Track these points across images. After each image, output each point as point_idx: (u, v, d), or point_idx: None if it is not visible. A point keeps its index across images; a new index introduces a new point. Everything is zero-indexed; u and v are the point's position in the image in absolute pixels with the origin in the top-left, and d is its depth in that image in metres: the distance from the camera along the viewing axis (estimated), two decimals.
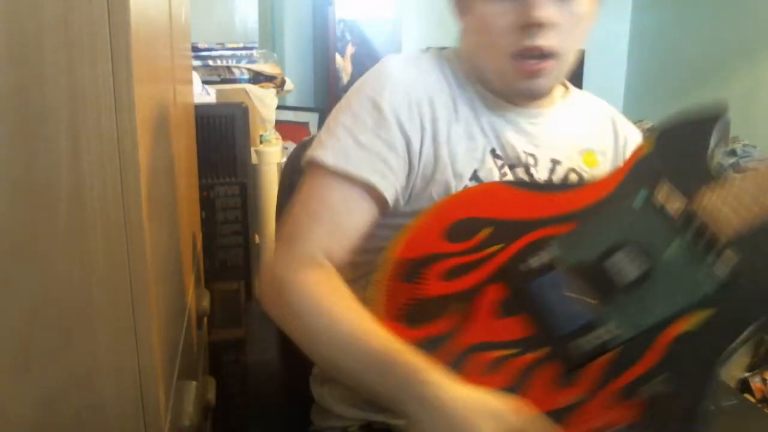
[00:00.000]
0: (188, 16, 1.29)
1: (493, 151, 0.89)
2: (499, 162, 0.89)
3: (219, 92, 1.69)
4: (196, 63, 1.76)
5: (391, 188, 0.85)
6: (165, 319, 0.68)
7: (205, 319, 1.19)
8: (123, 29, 0.50)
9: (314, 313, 0.77)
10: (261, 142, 1.80)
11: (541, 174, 0.90)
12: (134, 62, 0.51)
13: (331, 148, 0.85)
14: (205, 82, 1.70)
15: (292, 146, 1.23)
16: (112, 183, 0.52)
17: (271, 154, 1.74)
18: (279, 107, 1.98)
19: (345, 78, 3.28)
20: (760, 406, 1.93)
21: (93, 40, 0.50)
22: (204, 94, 1.62)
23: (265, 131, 1.87)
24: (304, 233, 0.83)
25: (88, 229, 0.53)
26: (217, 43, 1.83)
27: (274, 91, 1.85)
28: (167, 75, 0.84)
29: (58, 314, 0.54)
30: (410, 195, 0.87)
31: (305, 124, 3.20)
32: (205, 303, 1.15)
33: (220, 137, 1.52)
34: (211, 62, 1.79)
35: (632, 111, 3.48)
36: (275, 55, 2.05)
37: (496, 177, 0.88)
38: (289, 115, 3.11)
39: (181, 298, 0.88)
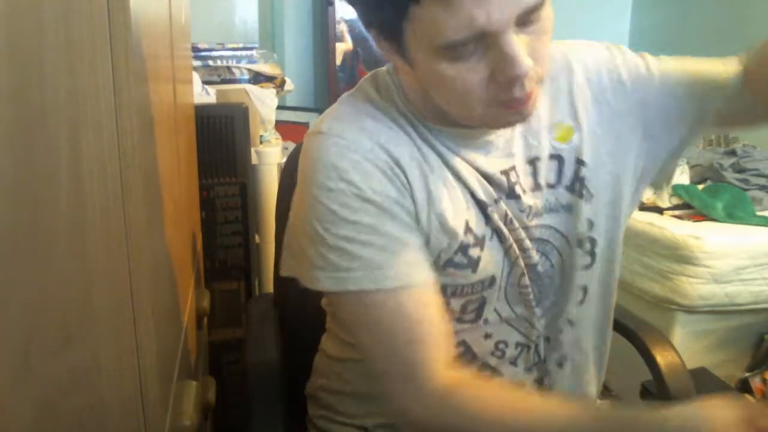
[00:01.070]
0: (188, 17, 1.29)
1: (473, 195, 0.80)
2: (484, 205, 0.80)
3: (219, 92, 1.69)
4: (196, 63, 1.76)
5: (426, 271, 0.77)
6: (165, 319, 0.68)
7: (205, 319, 1.19)
8: (123, 29, 0.50)
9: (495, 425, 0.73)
10: (261, 143, 1.80)
11: (525, 183, 0.82)
12: (134, 62, 0.51)
13: (359, 271, 0.74)
14: (205, 83, 1.70)
15: (292, 146, 1.23)
16: (113, 183, 0.52)
17: (271, 155, 1.74)
18: (279, 107, 1.98)
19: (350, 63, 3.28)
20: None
21: (93, 40, 0.50)
22: (204, 95, 1.62)
23: (265, 131, 1.87)
24: (401, 362, 0.75)
25: (88, 229, 0.53)
26: (217, 43, 1.83)
27: (274, 91, 1.85)
28: (167, 75, 0.84)
29: (57, 314, 0.54)
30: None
31: (305, 125, 3.20)
32: (205, 303, 1.15)
33: (220, 137, 1.52)
34: (211, 62, 1.79)
35: None
36: (275, 55, 2.05)
37: (483, 227, 0.80)
38: (289, 116, 3.11)
39: (181, 298, 0.88)
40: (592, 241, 0.85)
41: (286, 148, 1.88)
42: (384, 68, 0.83)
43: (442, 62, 0.67)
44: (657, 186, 0.90)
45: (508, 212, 0.81)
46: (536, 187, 0.83)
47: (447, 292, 0.81)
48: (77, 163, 0.51)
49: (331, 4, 3.13)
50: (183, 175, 1.00)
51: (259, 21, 2.27)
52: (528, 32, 0.67)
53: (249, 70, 1.82)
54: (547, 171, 0.83)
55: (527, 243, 0.82)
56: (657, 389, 1.05)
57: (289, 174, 1.15)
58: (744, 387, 2.05)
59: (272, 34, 3.25)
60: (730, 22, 2.96)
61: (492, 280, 0.81)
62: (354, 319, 0.79)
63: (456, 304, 0.82)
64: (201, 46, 1.78)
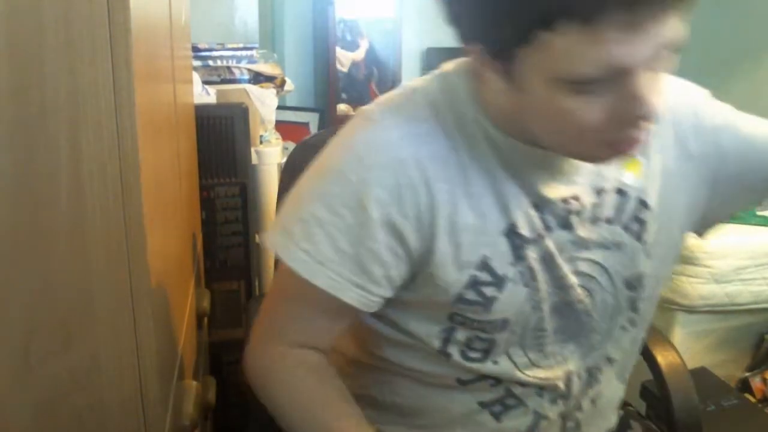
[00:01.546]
0: (188, 17, 1.29)
1: (512, 229, 0.73)
2: (517, 241, 0.73)
3: (219, 92, 1.69)
4: (197, 63, 1.76)
5: (373, 303, 0.74)
6: (165, 319, 0.68)
7: (206, 319, 1.19)
8: (123, 29, 0.50)
9: (293, 407, 0.78)
10: (261, 143, 1.80)
11: (584, 214, 0.75)
12: (134, 62, 0.51)
13: (303, 252, 0.71)
14: (205, 83, 1.70)
15: (292, 146, 1.23)
16: (113, 183, 0.52)
17: (271, 155, 1.74)
18: (279, 107, 1.98)
19: (361, 74, 3.29)
20: (760, 406, 1.93)
21: (93, 40, 0.50)
22: (204, 95, 1.62)
23: (265, 131, 1.87)
24: (278, 325, 0.80)
25: (88, 229, 0.53)
26: (218, 44, 1.83)
27: (274, 91, 1.85)
28: (167, 75, 0.84)
29: (57, 314, 0.54)
30: (405, 286, 0.75)
31: (305, 125, 3.20)
32: (206, 303, 1.15)
33: (221, 137, 1.52)
34: (211, 62, 1.79)
35: None
36: (275, 55, 2.05)
37: (507, 266, 0.73)
38: (289, 116, 3.11)
39: (181, 298, 0.88)
40: (639, 282, 0.80)
41: (286, 148, 1.88)
42: (452, 69, 0.76)
43: (560, 94, 0.60)
44: (698, 234, 0.85)
45: (552, 247, 0.74)
46: (594, 219, 0.76)
47: (454, 319, 0.76)
48: (77, 163, 0.51)
49: (331, 3, 3.13)
50: (183, 175, 1.00)
51: (259, 21, 2.27)
52: (653, 68, 0.60)
53: (249, 70, 1.82)
54: (609, 204, 0.77)
55: (570, 279, 0.76)
56: (657, 389, 1.05)
57: (289, 174, 1.15)
58: (744, 387, 2.05)
59: (272, 35, 3.25)
60: (732, 22, 2.96)
61: (504, 324, 0.75)
62: (276, 281, 0.82)
63: (461, 335, 0.77)
64: (201, 46, 1.78)
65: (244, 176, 1.55)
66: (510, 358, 0.78)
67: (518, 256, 0.73)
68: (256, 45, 1.93)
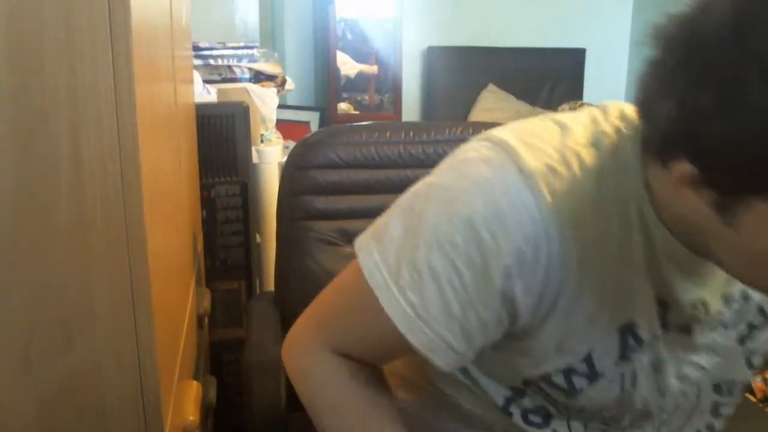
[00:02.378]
0: (189, 16, 1.29)
1: (630, 330, 0.66)
2: (630, 341, 0.66)
3: (220, 91, 1.69)
4: (197, 62, 1.76)
5: (455, 363, 0.65)
6: (166, 319, 0.68)
7: (206, 319, 1.19)
8: (124, 29, 0.50)
9: (331, 413, 0.73)
10: (262, 141, 1.80)
11: (707, 319, 0.69)
12: (135, 62, 0.51)
13: (407, 303, 0.62)
14: (206, 82, 1.70)
15: (292, 145, 1.23)
16: (113, 182, 0.52)
17: (271, 153, 1.74)
18: (280, 106, 1.98)
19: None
20: (760, 405, 1.93)
21: (94, 39, 0.49)
22: (205, 94, 1.62)
23: (266, 130, 1.87)
24: (334, 329, 0.73)
25: (88, 229, 0.53)
26: (218, 43, 1.82)
27: (275, 90, 1.85)
28: (168, 74, 0.84)
29: (58, 314, 0.54)
30: (493, 346, 0.67)
31: (306, 123, 3.20)
32: (206, 302, 1.16)
33: (221, 136, 1.52)
34: (212, 61, 1.79)
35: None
36: (276, 54, 2.05)
37: (609, 365, 0.66)
38: (290, 114, 3.11)
39: (182, 297, 0.88)
40: (730, 388, 0.75)
41: (287, 147, 1.88)
42: (625, 134, 0.63)
43: None
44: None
45: (664, 350, 0.68)
46: (715, 325, 0.70)
47: (529, 386, 0.69)
48: (77, 162, 0.51)
49: (332, 2, 3.13)
50: (184, 175, 1.00)
51: (260, 20, 2.27)
52: None
53: (250, 69, 1.82)
54: (732, 309, 0.71)
55: (672, 383, 0.71)
56: None
57: (289, 173, 1.15)
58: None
59: (273, 33, 3.25)
60: None
61: (580, 409, 0.70)
62: (346, 284, 0.72)
63: (529, 402, 0.72)
64: (202, 45, 1.78)
65: (244, 175, 1.55)
66: (569, 428, 0.73)
67: (625, 356, 0.66)
68: (257, 44, 1.93)
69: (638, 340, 0.66)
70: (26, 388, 0.54)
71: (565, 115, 0.67)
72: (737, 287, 0.70)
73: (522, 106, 3.43)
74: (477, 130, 1.21)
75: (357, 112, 3.29)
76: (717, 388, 0.74)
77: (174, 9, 0.93)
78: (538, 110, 3.40)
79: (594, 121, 0.65)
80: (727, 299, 0.70)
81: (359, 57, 3.29)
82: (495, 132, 0.65)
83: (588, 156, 0.62)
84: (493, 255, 0.59)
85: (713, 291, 0.68)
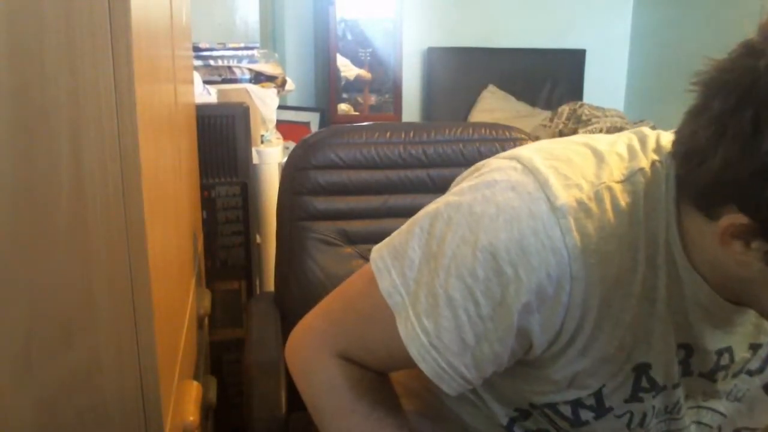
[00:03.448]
0: (189, 16, 1.29)
1: (645, 374, 0.64)
2: (645, 383, 0.64)
3: (220, 92, 1.69)
4: (197, 63, 1.76)
5: (462, 389, 0.63)
6: (166, 319, 0.68)
7: (206, 319, 1.19)
8: (124, 29, 0.50)
9: (333, 416, 0.71)
10: (262, 142, 1.80)
11: (733, 368, 0.66)
12: (135, 62, 0.51)
13: (421, 329, 0.60)
14: (206, 82, 1.70)
15: (293, 146, 1.24)
16: (113, 183, 0.52)
17: (272, 154, 1.74)
18: (280, 107, 1.98)
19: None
20: None
21: (94, 40, 0.50)
22: (205, 94, 1.62)
23: (266, 131, 1.87)
24: (341, 336, 0.71)
25: (89, 229, 0.53)
26: (218, 43, 1.83)
27: (275, 90, 1.85)
28: (168, 75, 0.84)
29: (59, 314, 0.54)
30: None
31: (306, 124, 3.20)
32: (206, 303, 1.16)
33: (221, 137, 1.52)
34: (212, 62, 1.79)
35: (633, 111, 3.48)
36: (276, 54, 2.05)
37: (620, 403, 0.64)
38: (290, 115, 3.11)
39: (182, 297, 0.88)
40: None
41: (287, 148, 1.88)
42: (661, 172, 0.60)
43: None
44: None
45: (682, 398, 0.67)
46: (738, 372, 0.68)
47: (534, 408, 0.69)
48: (78, 162, 0.51)
49: (332, 3, 3.13)
50: (184, 175, 1.00)
51: (260, 21, 2.27)
52: None
53: (250, 69, 1.82)
54: (758, 357, 0.68)
55: (686, 427, 0.69)
56: None
57: (289, 173, 1.15)
58: None
59: (273, 34, 3.25)
60: (732, 21, 2.95)
61: None
62: (356, 289, 0.70)
63: (532, 423, 0.71)
64: (202, 45, 1.78)
65: (245, 176, 1.55)
66: None
67: (636, 396, 0.64)
68: (257, 45, 1.93)
69: (652, 383, 0.64)
70: (26, 388, 0.54)
71: (601, 141, 0.64)
72: (766, 337, 0.67)
73: (522, 106, 3.44)
74: (477, 131, 1.21)
75: (357, 113, 3.30)
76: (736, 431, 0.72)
77: (174, 9, 0.93)
78: (538, 111, 3.40)
79: (631, 151, 0.62)
80: (754, 348, 0.67)
81: (358, 60, 3.29)
82: (525, 152, 0.62)
83: (621, 194, 0.59)
84: (514, 289, 0.57)
85: (741, 339, 0.65)
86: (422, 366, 0.61)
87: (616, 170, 0.60)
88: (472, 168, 0.66)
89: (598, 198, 0.58)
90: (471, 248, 0.58)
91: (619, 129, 2.75)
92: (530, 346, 0.61)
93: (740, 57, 0.51)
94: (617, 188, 0.59)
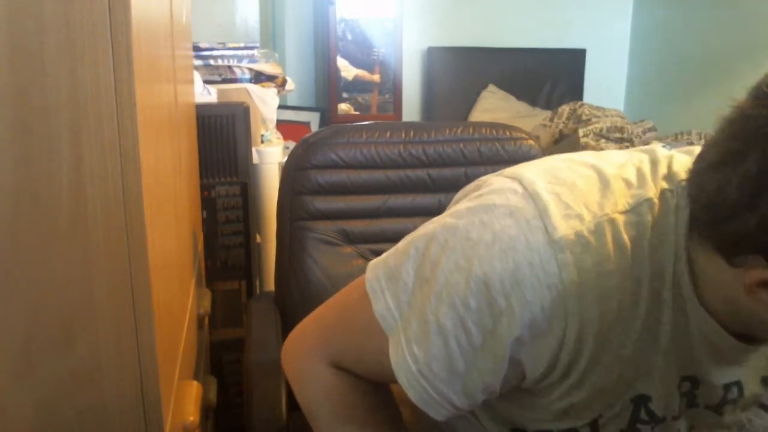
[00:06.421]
0: (189, 16, 1.29)
1: (644, 406, 0.62)
2: (643, 415, 0.63)
3: (220, 92, 1.69)
4: (198, 62, 1.76)
5: (452, 415, 0.63)
6: (166, 319, 0.68)
7: (206, 319, 1.19)
8: (124, 29, 0.50)
9: (327, 422, 0.71)
10: (262, 142, 1.80)
11: (742, 402, 0.65)
12: (135, 62, 0.51)
13: (411, 357, 0.60)
14: (206, 82, 1.70)
15: (293, 145, 1.24)
16: (113, 183, 0.52)
17: (272, 154, 1.74)
18: (280, 107, 1.98)
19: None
20: None
21: (94, 39, 0.50)
22: (205, 94, 1.62)
23: (267, 131, 1.87)
24: (333, 345, 0.71)
25: (89, 229, 0.53)
26: (219, 43, 1.83)
27: (275, 90, 1.85)
28: (168, 75, 0.84)
29: (59, 314, 0.54)
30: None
31: (306, 124, 3.20)
32: (206, 303, 1.16)
33: (222, 137, 1.52)
34: (212, 62, 1.79)
35: (633, 111, 3.48)
36: (276, 54, 2.05)
37: (617, 429, 0.63)
38: (290, 115, 3.11)
39: (182, 297, 0.88)
40: None
41: (287, 148, 1.88)
42: (670, 203, 0.57)
43: None
44: None
45: (681, 430, 0.65)
46: (747, 406, 0.66)
47: (527, 429, 0.67)
48: (78, 162, 0.51)
49: (332, 3, 3.13)
50: (184, 175, 1.00)
51: (260, 20, 2.27)
52: None
53: (250, 69, 1.82)
54: None
55: None
56: None
57: (289, 173, 1.15)
58: None
59: (273, 34, 3.25)
60: (732, 21, 2.95)
61: None
62: (352, 302, 0.68)
63: None
64: (202, 45, 1.78)
65: (245, 176, 1.55)
66: None
67: (634, 428, 0.63)
68: (257, 44, 1.93)
69: (651, 415, 0.62)
70: (26, 388, 0.54)
71: (610, 162, 0.61)
72: None
73: (522, 106, 3.44)
74: (477, 130, 1.21)
75: (357, 113, 3.30)
76: None
77: (174, 9, 0.93)
78: (538, 110, 3.40)
79: (640, 176, 0.59)
80: (765, 381, 0.65)
81: (357, 60, 3.29)
82: (528, 174, 0.60)
83: (625, 227, 0.56)
84: (506, 322, 0.55)
85: (752, 372, 0.64)
86: (409, 393, 0.60)
87: (621, 199, 0.58)
88: (473, 185, 0.65)
89: (598, 231, 0.56)
90: (464, 277, 0.56)
91: (620, 129, 2.75)
92: (523, 376, 0.60)
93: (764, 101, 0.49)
94: (620, 220, 0.56)
